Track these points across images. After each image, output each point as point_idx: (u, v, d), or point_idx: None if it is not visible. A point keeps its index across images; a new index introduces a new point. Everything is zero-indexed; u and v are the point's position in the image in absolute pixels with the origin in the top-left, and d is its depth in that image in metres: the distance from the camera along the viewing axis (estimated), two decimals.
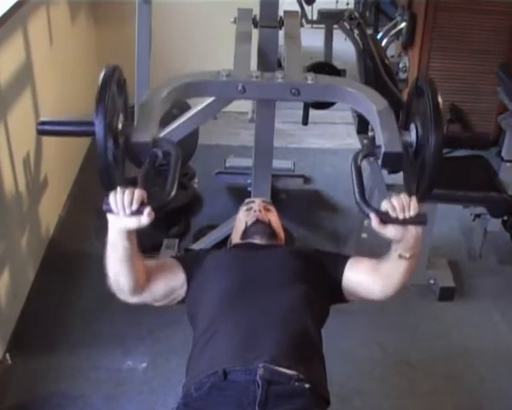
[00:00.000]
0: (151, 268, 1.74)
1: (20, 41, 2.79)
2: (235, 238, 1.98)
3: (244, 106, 4.15)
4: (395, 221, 1.49)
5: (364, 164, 1.68)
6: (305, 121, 3.37)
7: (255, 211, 1.98)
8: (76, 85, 3.73)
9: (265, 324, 1.62)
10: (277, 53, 2.49)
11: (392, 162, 1.65)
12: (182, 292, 1.76)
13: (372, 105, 1.76)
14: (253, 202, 2.06)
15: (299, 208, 3.56)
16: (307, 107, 3.31)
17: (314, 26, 4.29)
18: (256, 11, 2.53)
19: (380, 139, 1.65)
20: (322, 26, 4.19)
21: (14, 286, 2.65)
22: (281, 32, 2.49)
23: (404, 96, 4.00)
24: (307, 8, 4.20)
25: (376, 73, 2.92)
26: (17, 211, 2.78)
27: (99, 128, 1.51)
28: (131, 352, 2.57)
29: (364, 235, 3.12)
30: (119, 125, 1.62)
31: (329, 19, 3.85)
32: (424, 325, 2.82)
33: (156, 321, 2.69)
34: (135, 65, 2.75)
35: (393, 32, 4.39)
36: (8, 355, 2.50)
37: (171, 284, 1.75)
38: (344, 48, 4.02)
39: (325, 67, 3.98)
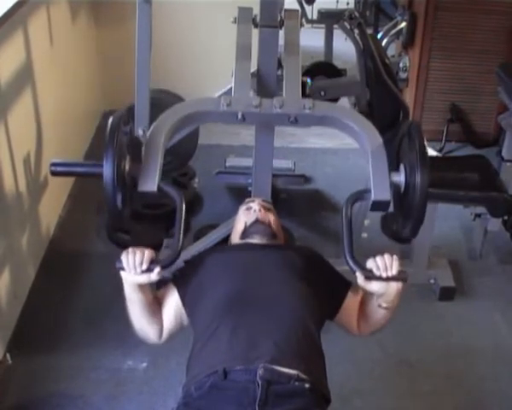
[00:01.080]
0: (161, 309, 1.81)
1: (21, 41, 2.79)
2: (235, 238, 1.98)
3: None
4: (379, 278, 1.64)
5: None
6: None
7: (255, 211, 1.98)
8: (76, 85, 3.74)
9: (265, 324, 1.62)
10: (277, 53, 2.49)
11: (380, 208, 1.77)
12: (183, 310, 1.81)
13: (367, 143, 1.81)
14: (252, 201, 2.06)
15: (299, 208, 3.56)
16: None
17: (314, 25, 4.30)
18: (256, 11, 2.52)
19: (370, 184, 1.74)
20: (323, 25, 4.20)
21: (14, 286, 2.65)
22: (281, 32, 2.49)
23: (404, 95, 4.02)
24: (307, 8, 4.22)
25: (376, 73, 2.92)
26: (17, 211, 2.78)
27: (107, 173, 1.60)
28: (132, 352, 2.56)
29: (364, 235, 3.12)
30: (127, 168, 1.71)
31: (330, 18, 3.86)
32: (424, 324, 2.82)
33: None
34: (135, 64, 2.74)
35: (394, 31, 4.40)
36: (8, 355, 2.50)
37: (177, 312, 1.80)
38: (344, 47, 4.03)
39: (325, 67, 4.00)
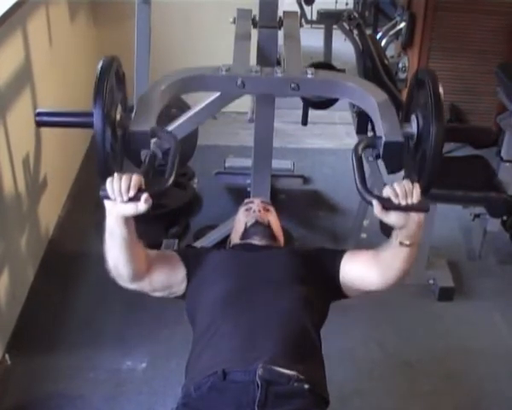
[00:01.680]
0: (153, 258, 1.74)
1: (20, 41, 2.79)
2: (235, 239, 1.98)
3: (243, 106, 4.14)
4: (397, 208, 1.48)
5: (365, 165, 1.68)
6: (305, 121, 3.37)
7: (254, 211, 1.98)
8: (76, 85, 3.73)
9: (265, 324, 1.62)
10: (277, 53, 2.49)
11: (392, 153, 1.63)
12: (181, 288, 1.77)
13: (372, 98, 1.76)
14: (252, 202, 2.06)
15: (298, 208, 3.56)
16: (307, 107, 3.31)
17: (313, 26, 4.30)
18: (255, 11, 2.53)
19: (380, 130, 1.64)
20: (322, 26, 4.19)
21: (13, 287, 2.65)
22: (280, 33, 2.49)
23: (404, 96, 4.02)
24: (306, 9, 4.21)
25: (376, 74, 2.92)
26: (16, 211, 2.77)
27: (97, 118, 1.51)
28: (131, 352, 2.56)
29: (364, 235, 3.13)
30: (118, 117, 1.62)
31: (329, 19, 3.85)
32: (423, 325, 2.82)
33: (156, 321, 2.69)
34: (134, 65, 2.75)
35: (393, 32, 4.40)
36: (7, 356, 2.50)
37: (171, 276, 1.76)
38: (343, 48, 4.02)
39: (325, 68, 3.99)
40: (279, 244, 1.99)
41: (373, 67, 2.93)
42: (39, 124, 1.69)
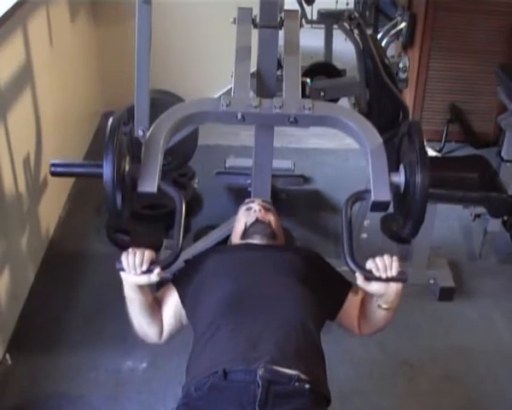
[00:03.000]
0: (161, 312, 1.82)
1: (20, 41, 2.79)
2: (235, 238, 1.98)
3: None
4: (378, 279, 1.64)
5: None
6: None
7: (255, 211, 1.98)
8: (76, 85, 3.73)
9: (266, 324, 1.62)
10: (277, 53, 2.49)
11: (380, 208, 1.76)
12: (183, 311, 1.81)
13: (366, 143, 1.81)
14: (252, 201, 2.06)
15: (299, 208, 3.56)
16: None
17: (314, 26, 4.30)
18: (256, 11, 2.52)
19: (370, 185, 1.74)
20: (322, 26, 4.20)
21: (14, 287, 2.65)
22: (281, 32, 2.49)
23: (404, 96, 4.02)
24: (307, 9, 4.22)
25: (376, 73, 2.92)
26: (17, 212, 2.78)
27: (107, 173, 1.61)
28: (131, 352, 2.56)
29: (364, 235, 3.12)
30: (126, 168, 1.71)
31: (329, 19, 3.86)
32: (424, 324, 2.82)
33: None
34: (135, 65, 2.74)
35: (393, 32, 4.40)
36: (7, 356, 2.50)
37: (176, 312, 1.81)
38: (344, 48, 4.03)
39: (325, 67, 4.00)
40: (280, 244, 1.99)
41: (373, 67, 2.93)
42: (54, 174, 1.81)
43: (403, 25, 4.24)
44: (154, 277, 1.61)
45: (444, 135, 4.14)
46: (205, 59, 4.31)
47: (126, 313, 1.75)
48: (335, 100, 3.34)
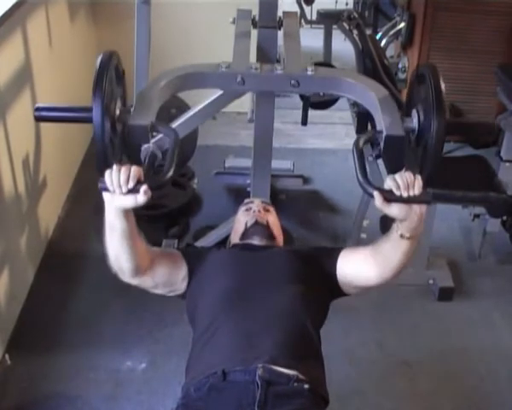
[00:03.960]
0: (155, 253, 1.73)
1: (20, 41, 2.79)
2: (235, 239, 1.98)
3: (243, 106, 4.14)
4: (399, 199, 1.45)
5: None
6: (305, 122, 3.37)
7: (254, 212, 1.98)
8: (75, 85, 3.73)
9: (265, 324, 1.62)
10: (276, 53, 2.49)
11: (394, 148, 1.62)
12: (182, 286, 1.76)
13: (372, 94, 1.76)
14: (252, 202, 2.06)
15: (298, 209, 3.56)
16: (306, 107, 3.31)
17: (313, 26, 4.30)
18: (255, 12, 2.53)
19: (381, 124, 1.63)
20: (322, 26, 4.20)
21: (13, 287, 2.65)
22: (280, 33, 2.49)
23: (404, 96, 4.02)
24: (306, 9, 4.21)
25: (375, 74, 2.92)
26: (16, 212, 2.78)
27: (96, 112, 1.50)
28: (131, 352, 2.56)
29: (364, 235, 3.12)
30: (117, 111, 1.61)
31: (328, 19, 3.85)
32: (423, 325, 2.82)
33: (156, 321, 2.69)
34: (134, 64, 2.75)
35: (392, 32, 4.39)
36: (7, 356, 2.50)
37: (173, 273, 1.75)
38: (343, 48, 4.02)
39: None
40: (279, 244, 1.99)
41: (373, 68, 2.93)
42: (38, 119, 1.67)
43: (402, 25, 4.23)
44: (140, 197, 1.42)
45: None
46: (205, 59, 4.30)
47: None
48: (335, 100, 3.35)
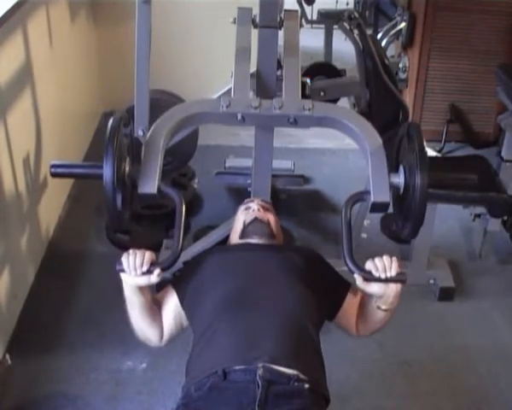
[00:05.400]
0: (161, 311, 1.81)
1: (20, 41, 2.79)
2: (234, 238, 1.98)
3: None
4: (377, 280, 1.63)
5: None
6: None
7: (253, 210, 1.98)
8: (76, 85, 3.73)
9: (265, 323, 1.62)
10: (277, 53, 2.49)
11: (379, 209, 1.75)
12: (182, 312, 1.81)
13: (365, 143, 1.81)
14: (251, 201, 2.07)
15: (298, 208, 3.56)
16: None
17: (314, 26, 4.31)
18: (256, 11, 2.52)
19: (370, 186, 1.73)
20: (322, 26, 4.20)
21: (14, 287, 2.65)
22: (281, 32, 2.49)
23: (404, 96, 4.03)
24: (307, 9, 4.22)
25: (376, 74, 2.92)
26: (17, 212, 2.78)
27: (107, 174, 1.60)
28: (131, 352, 2.56)
29: (364, 235, 3.13)
30: (127, 169, 1.71)
31: (329, 19, 3.86)
32: (424, 325, 2.82)
33: None
34: (134, 65, 2.74)
35: (393, 32, 4.39)
36: (7, 356, 2.50)
37: (176, 314, 1.80)
38: (344, 48, 4.03)
39: (325, 67, 4.00)
40: (279, 244, 1.99)
41: (373, 67, 2.93)
42: (54, 175, 1.80)
43: (402, 25, 4.23)
44: (154, 278, 1.61)
45: (444, 135, 4.14)
46: (205, 59, 4.31)
47: (127, 316, 1.76)
48: (335, 100, 3.34)
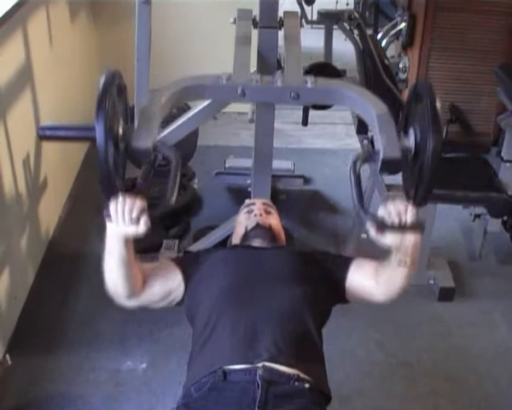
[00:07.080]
0: (147, 271, 1.74)
1: (20, 41, 2.79)
2: (235, 241, 1.97)
3: (244, 106, 4.14)
4: (392, 229, 1.49)
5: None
6: (305, 122, 3.38)
7: (256, 215, 1.97)
8: (76, 86, 3.73)
9: (265, 322, 1.61)
10: (277, 54, 2.49)
11: (390, 167, 1.65)
12: (179, 293, 1.76)
13: (372, 109, 1.75)
14: (253, 204, 2.05)
15: (298, 209, 3.56)
16: (307, 107, 3.31)
17: (314, 26, 4.30)
18: (256, 12, 2.53)
19: (378, 145, 1.65)
20: (322, 26, 4.20)
21: (13, 287, 2.65)
22: (280, 33, 2.49)
23: (404, 96, 4.02)
24: (307, 9, 4.21)
25: (376, 74, 2.92)
26: (17, 212, 2.78)
27: (99, 133, 1.52)
28: (131, 352, 2.56)
29: (364, 235, 3.12)
30: (120, 130, 1.63)
31: (329, 19, 3.85)
32: (424, 325, 2.82)
33: (156, 321, 2.68)
34: (134, 65, 2.75)
35: (393, 32, 4.38)
36: (7, 356, 2.50)
37: (167, 285, 1.75)
38: (344, 48, 4.03)
39: (325, 68, 4.00)
40: (281, 244, 1.98)
41: (373, 68, 2.93)
42: (42, 137, 1.72)
43: (403, 25, 4.22)
44: (141, 227, 1.51)
45: (444, 135, 4.13)
46: (205, 59, 4.31)
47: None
48: None
